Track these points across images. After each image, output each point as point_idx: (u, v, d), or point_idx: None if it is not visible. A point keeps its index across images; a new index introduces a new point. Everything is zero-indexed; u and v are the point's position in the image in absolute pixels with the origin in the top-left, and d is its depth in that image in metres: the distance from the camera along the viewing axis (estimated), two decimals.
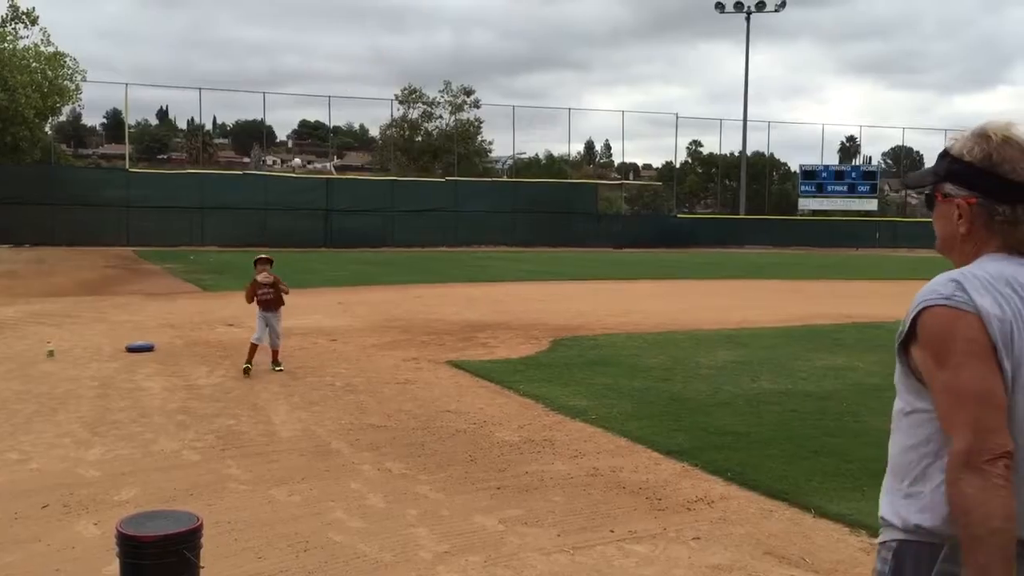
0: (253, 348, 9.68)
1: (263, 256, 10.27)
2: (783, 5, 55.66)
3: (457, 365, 10.16)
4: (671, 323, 14.16)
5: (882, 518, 1.89)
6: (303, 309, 15.46)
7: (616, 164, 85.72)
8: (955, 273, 1.79)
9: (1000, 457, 1.65)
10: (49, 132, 44.22)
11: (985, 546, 1.62)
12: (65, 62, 39.01)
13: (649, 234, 49.07)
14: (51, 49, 38.47)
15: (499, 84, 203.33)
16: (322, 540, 4.67)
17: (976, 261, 1.84)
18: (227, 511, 5.10)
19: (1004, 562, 1.62)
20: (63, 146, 59.81)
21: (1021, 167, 1.79)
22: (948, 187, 1.89)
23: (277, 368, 9.74)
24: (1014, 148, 1.81)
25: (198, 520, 3.33)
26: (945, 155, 1.91)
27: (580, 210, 49.07)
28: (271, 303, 9.87)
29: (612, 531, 4.88)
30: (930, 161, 2.01)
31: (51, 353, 10.32)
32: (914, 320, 1.78)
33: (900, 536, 1.82)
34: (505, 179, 55.26)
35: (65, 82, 39.14)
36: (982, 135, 1.85)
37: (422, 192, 46.03)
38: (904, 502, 1.81)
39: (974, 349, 1.69)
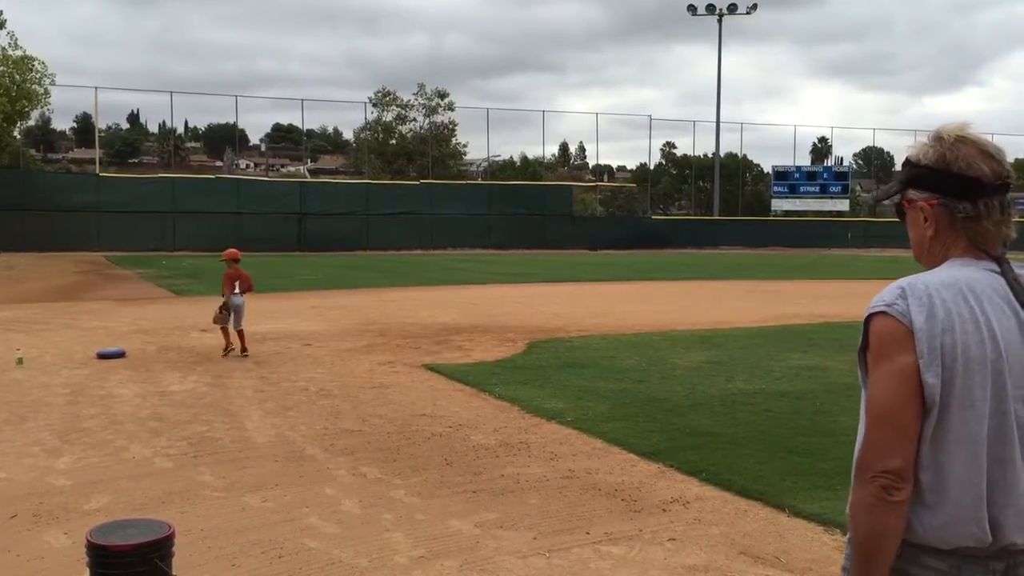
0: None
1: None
2: (755, 7, 56.15)
3: (432, 368, 10.13)
4: (646, 324, 14.21)
5: (847, 514, 1.91)
6: (277, 313, 15.38)
7: (591, 166, 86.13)
8: (905, 280, 1.82)
9: (879, 476, 1.73)
10: (18, 136, 43.69)
11: (856, 549, 1.80)
12: (33, 66, 38.51)
13: (624, 236, 49.25)
14: (19, 53, 37.97)
15: (474, 87, 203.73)
16: (296, 546, 4.63)
17: (939, 266, 1.87)
18: (200, 519, 5.05)
19: (870, 569, 1.77)
20: (32, 151, 59.19)
21: (976, 163, 1.82)
22: (911, 193, 1.92)
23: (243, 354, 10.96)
24: (968, 145, 1.84)
25: (170, 528, 3.28)
26: (906, 163, 1.95)
27: (555, 212, 49.20)
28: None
29: (588, 533, 4.88)
30: (901, 161, 2.05)
31: (20, 360, 10.18)
32: (865, 327, 1.83)
33: None
34: (480, 182, 55.29)
35: (34, 86, 38.64)
36: (936, 138, 1.89)
37: (396, 195, 45.95)
38: None
39: (891, 367, 1.75)
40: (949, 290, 1.78)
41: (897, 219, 2.01)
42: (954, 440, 1.75)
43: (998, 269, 1.83)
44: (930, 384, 1.73)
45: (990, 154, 1.84)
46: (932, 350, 1.73)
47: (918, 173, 1.90)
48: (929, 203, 1.88)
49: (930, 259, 1.92)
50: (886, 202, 2.06)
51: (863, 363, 1.86)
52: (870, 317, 1.81)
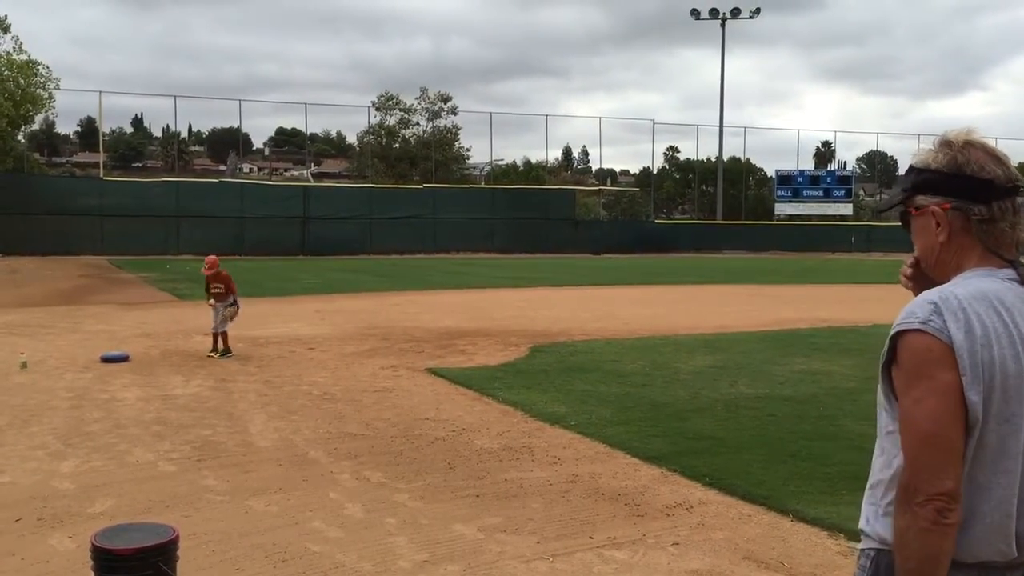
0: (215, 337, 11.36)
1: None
2: (758, 12, 56.16)
3: (436, 373, 10.14)
4: (649, 329, 14.20)
5: (861, 529, 1.91)
6: (281, 317, 15.40)
7: (594, 170, 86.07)
8: (935, 293, 1.77)
9: (932, 500, 1.67)
10: (22, 140, 43.78)
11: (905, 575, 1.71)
12: (38, 70, 38.58)
13: (627, 240, 49.20)
14: (23, 57, 38.04)
15: (477, 91, 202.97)
16: (300, 550, 4.63)
17: (959, 277, 1.82)
18: (204, 522, 5.06)
19: None
20: (36, 154, 59.27)
21: (988, 166, 1.81)
22: (920, 198, 1.88)
23: (225, 355, 11.15)
24: (977, 149, 1.83)
25: (174, 532, 3.29)
26: (911, 170, 1.92)
27: (558, 216, 49.17)
28: (222, 296, 11.49)
29: (591, 537, 4.88)
30: (904, 166, 2.03)
31: (24, 364, 10.20)
32: (893, 344, 1.77)
33: (878, 546, 1.84)
34: (483, 186, 55.29)
35: (38, 90, 38.70)
36: (944, 143, 1.87)
37: (400, 199, 45.95)
38: (882, 520, 1.82)
39: (936, 386, 1.70)
40: (981, 303, 1.74)
41: (896, 222, 1.97)
42: (990, 456, 1.73)
43: (1016, 278, 1.80)
44: (973, 402, 1.69)
45: (999, 158, 1.83)
46: (974, 367, 1.69)
47: (928, 178, 1.86)
48: (942, 207, 1.84)
49: (941, 267, 1.88)
50: (890, 210, 2.03)
51: (887, 379, 1.81)
52: (902, 334, 1.75)
